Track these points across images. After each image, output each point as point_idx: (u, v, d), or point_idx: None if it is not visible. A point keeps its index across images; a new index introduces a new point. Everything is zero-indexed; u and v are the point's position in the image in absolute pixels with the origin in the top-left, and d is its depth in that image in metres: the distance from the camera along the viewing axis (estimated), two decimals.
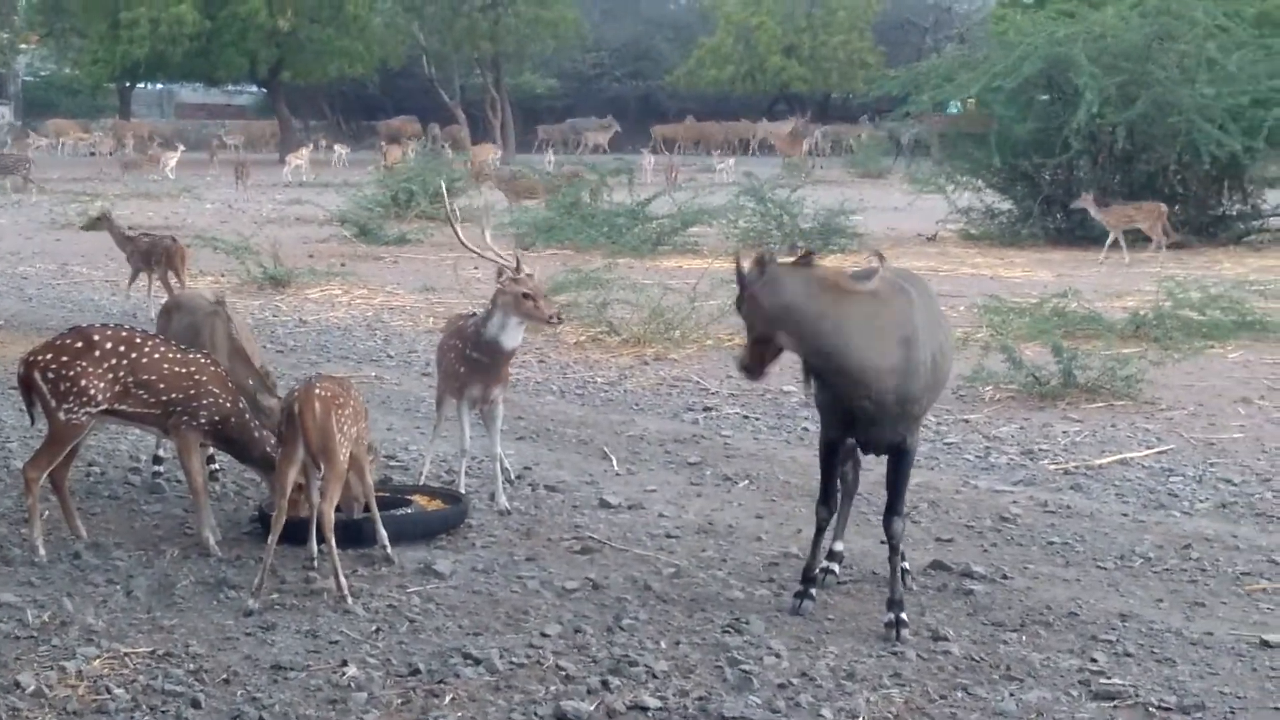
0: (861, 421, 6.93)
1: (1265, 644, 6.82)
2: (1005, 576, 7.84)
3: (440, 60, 67.95)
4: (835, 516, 7.57)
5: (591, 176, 28.67)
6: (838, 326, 6.70)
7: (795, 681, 6.34)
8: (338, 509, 7.76)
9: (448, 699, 6.10)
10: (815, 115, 69.66)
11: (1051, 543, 8.52)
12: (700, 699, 6.12)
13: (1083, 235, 25.31)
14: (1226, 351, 14.34)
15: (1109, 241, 23.54)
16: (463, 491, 8.99)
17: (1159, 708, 6.10)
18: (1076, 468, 10.31)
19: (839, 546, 7.77)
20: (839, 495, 7.49)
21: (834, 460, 7.19)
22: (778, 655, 6.61)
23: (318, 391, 7.36)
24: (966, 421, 11.61)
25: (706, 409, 12.24)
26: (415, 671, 6.39)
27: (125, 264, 18.63)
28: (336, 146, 54.28)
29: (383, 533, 7.92)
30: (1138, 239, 24.37)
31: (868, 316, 6.75)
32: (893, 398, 6.79)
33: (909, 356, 6.76)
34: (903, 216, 29.91)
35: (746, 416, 11.95)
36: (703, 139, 64.94)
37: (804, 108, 71.89)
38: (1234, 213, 27.20)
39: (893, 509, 7.04)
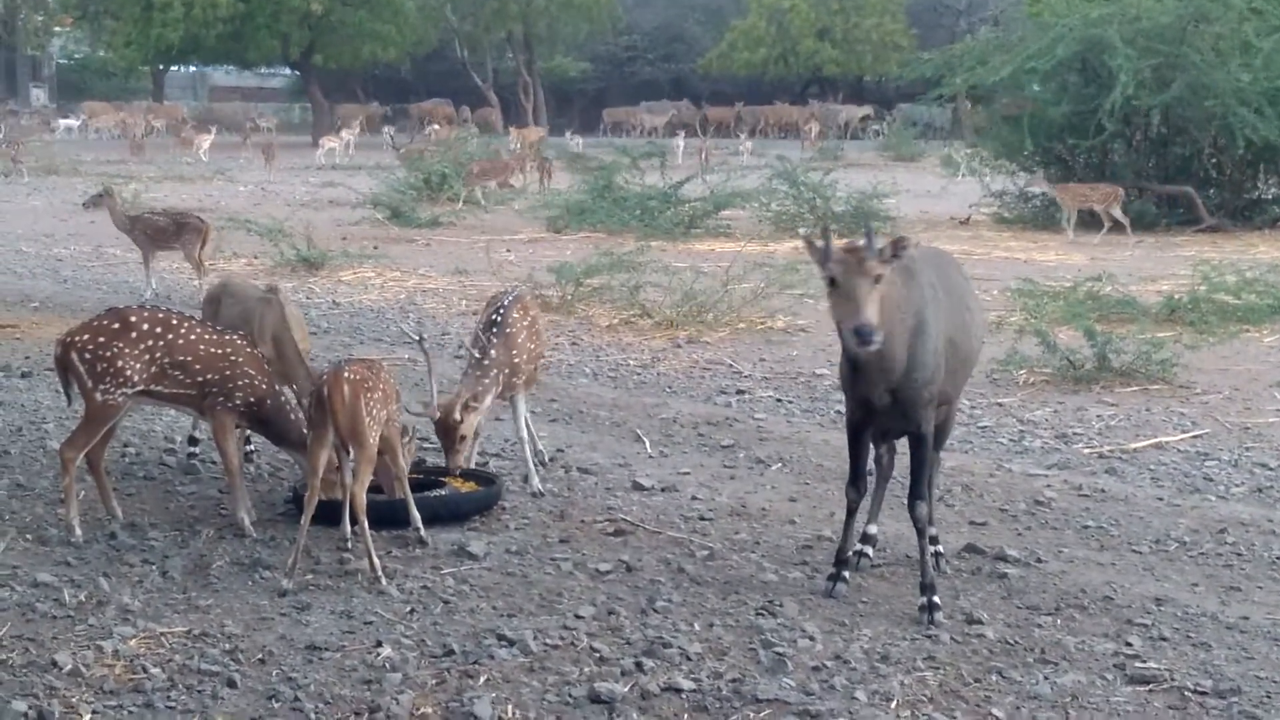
0: (876, 406, 6.91)
1: None
2: (1039, 560, 7.83)
3: (472, 43, 68.07)
4: (869, 499, 7.57)
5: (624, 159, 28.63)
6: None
7: (829, 664, 6.33)
8: (379, 490, 7.80)
9: (482, 680, 6.11)
10: (848, 98, 69.60)
11: (1086, 526, 8.49)
12: (734, 681, 6.12)
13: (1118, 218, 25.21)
14: (1262, 335, 14.28)
15: (1068, 219, 23.94)
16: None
17: (1195, 692, 6.08)
18: (1111, 451, 10.28)
19: (873, 529, 7.76)
20: (870, 478, 7.48)
21: (861, 444, 7.17)
22: (811, 638, 6.61)
23: (346, 375, 7.37)
24: (1000, 405, 11.58)
25: (739, 392, 12.23)
26: (450, 652, 6.40)
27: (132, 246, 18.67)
28: (386, 128, 54.39)
29: (416, 514, 7.94)
30: (1172, 223, 24.36)
31: None
32: (900, 385, 6.78)
33: (914, 345, 6.74)
34: (936, 200, 29.84)
35: (779, 399, 11.94)
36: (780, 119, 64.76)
37: (836, 91, 71.82)
38: (1269, 196, 27.05)
39: (916, 493, 7.02)
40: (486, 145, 37.58)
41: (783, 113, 65.84)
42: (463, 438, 8.40)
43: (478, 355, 8.73)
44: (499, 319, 8.87)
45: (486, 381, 8.61)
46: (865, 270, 6.37)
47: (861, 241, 6.51)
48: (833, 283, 6.41)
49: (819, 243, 6.49)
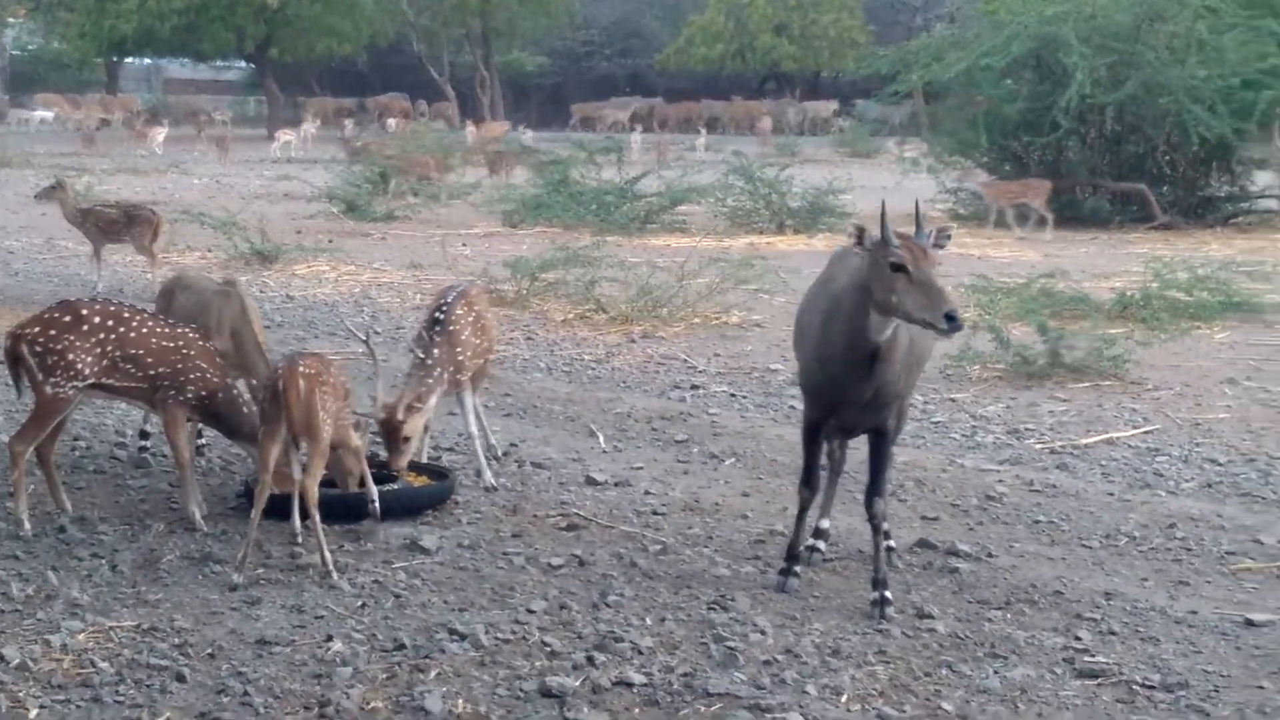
0: (840, 403, 6.91)
1: (1249, 623, 6.84)
2: (991, 555, 7.86)
3: (429, 37, 67.85)
4: (821, 495, 7.58)
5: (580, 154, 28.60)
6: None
7: (780, 658, 6.34)
8: (333, 484, 7.78)
9: (433, 674, 6.10)
10: (805, 94, 69.75)
11: (1037, 521, 8.53)
12: (685, 675, 6.12)
13: (1071, 216, 25.34)
14: (1213, 332, 14.38)
15: (992, 218, 24.19)
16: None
17: (1143, 685, 6.11)
18: (1063, 447, 10.33)
19: (825, 524, 7.78)
20: (822, 474, 7.50)
21: (817, 441, 7.19)
22: (763, 632, 6.62)
23: (301, 369, 7.35)
24: (953, 400, 11.63)
25: (694, 387, 12.23)
26: (400, 646, 6.39)
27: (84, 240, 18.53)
28: (346, 122, 54.20)
29: (376, 505, 7.92)
30: (1126, 220, 24.51)
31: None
32: (865, 381, 6.78)
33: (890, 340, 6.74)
34: (891, 196, 29.87)
35: (733, 394, 11.95)
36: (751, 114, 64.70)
37: (794, 86, 71.95)
38: (1222, 194, 27.21)
39: (874, 489, 7.03)
40: (440, 140, 37.44)
41: (752, 109, 65.75)
42: (406, 438, 8.36)
43: (420, 354, 8.69)
44: (443, 316, 8.82)
45: (430, 381, 8.57)
46: (931, 259, 6.38)
47: (912, 230, 6.51)
48: (902, 270, 6.36)
49: (876, 231, 6.44)
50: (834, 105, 66.09)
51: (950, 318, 6.27)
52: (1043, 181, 24.91)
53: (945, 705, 5.89)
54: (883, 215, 6.49)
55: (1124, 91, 25.04)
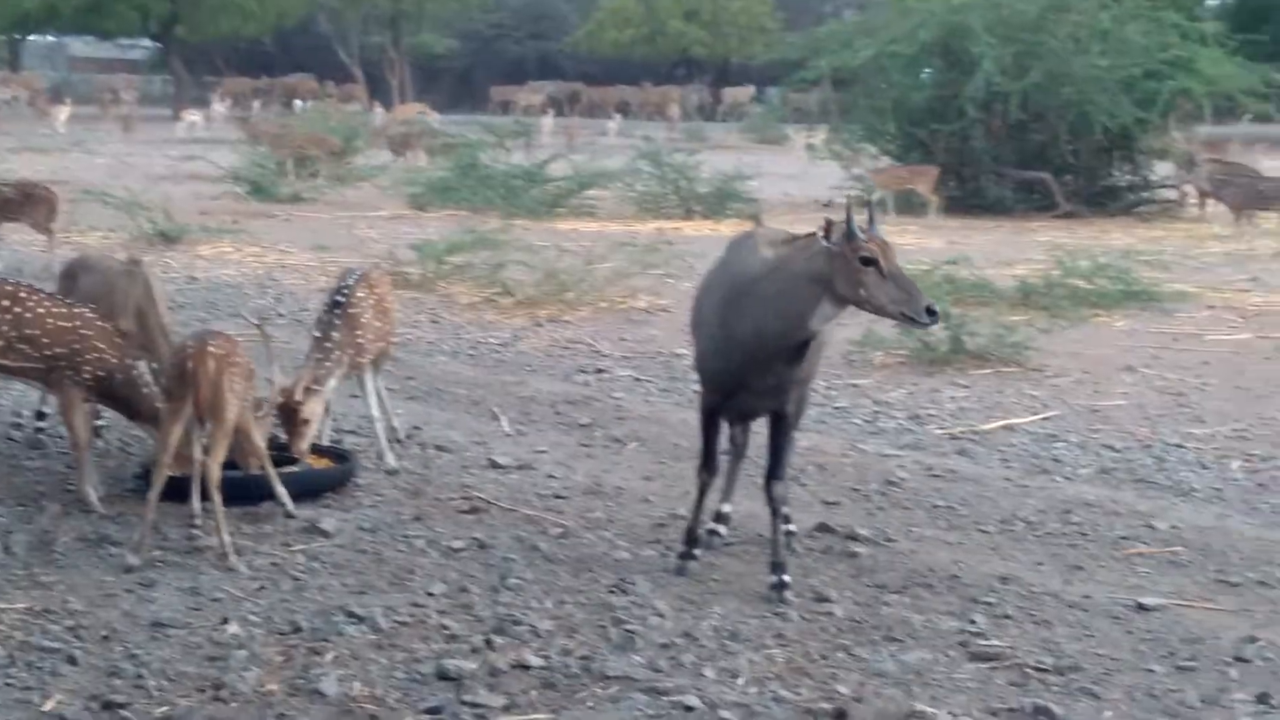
0: (743, 389, 6.93)
1: (1141, 607, 6.93)
2: (889, 539, 7.91)
3: (337, 18, 67.38)
4: (723, 479, 7.61)
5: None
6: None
7: (679, 641, 6.36)
8: (236, 466, 7.71)
9: (329, 657, 6.07)
10: (715, 80, 69.87)
11: (936, 506, 8.61)
12: (583, 658, 6.12)
13: (975, 204, 25.55)
14: (1113, 320, 14.55)
15: (875, 201, 24.26)
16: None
17: (1035, 669, 6.17)
18: (963, 433, 10.42)
19: (726, 508, 7.80)
20: (724, 458, 7.52)
21: (716, 425, 7.20)
22: (662, 615, 6.63)
23: (211, 348, 7.28)
24: (856, 386, 11.70)
25: (599, 371, 12.25)
26: (297, 629, 6.35)
27: None
28: (255, 103, 53.73)
29: (283, 491, 7.87)
30: (1029, 208, 24.77)
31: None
32: (786, 368, 6.81)
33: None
34: (799, 183, 30.01)
35: (638, 379, 11.97)
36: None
37: (704, 73, 72.07)
38: (1123, 183, 27.52)
39: (774, 473, 7.04)
40: (347, 123, 37.18)
41: (669, 94, 65.66)
42: (306, 421, 8.31)
43: (319, 336, 8.64)
44: (343, 299, 8.77)
45: (329, 364, 8.51)
46: (895, 252, 6.43)
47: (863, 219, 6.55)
48: (873, 264, 6.38)
49: (845, 222, 6.44)
50: (751, 90, 66.22)
51: (931, 311, 6.38)
52: (929, 168, 25.17)
53: (841, 688, 5.92)
54: (848, 210, 6.54)
55: (1028, 80, 25.28)
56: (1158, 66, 25.52)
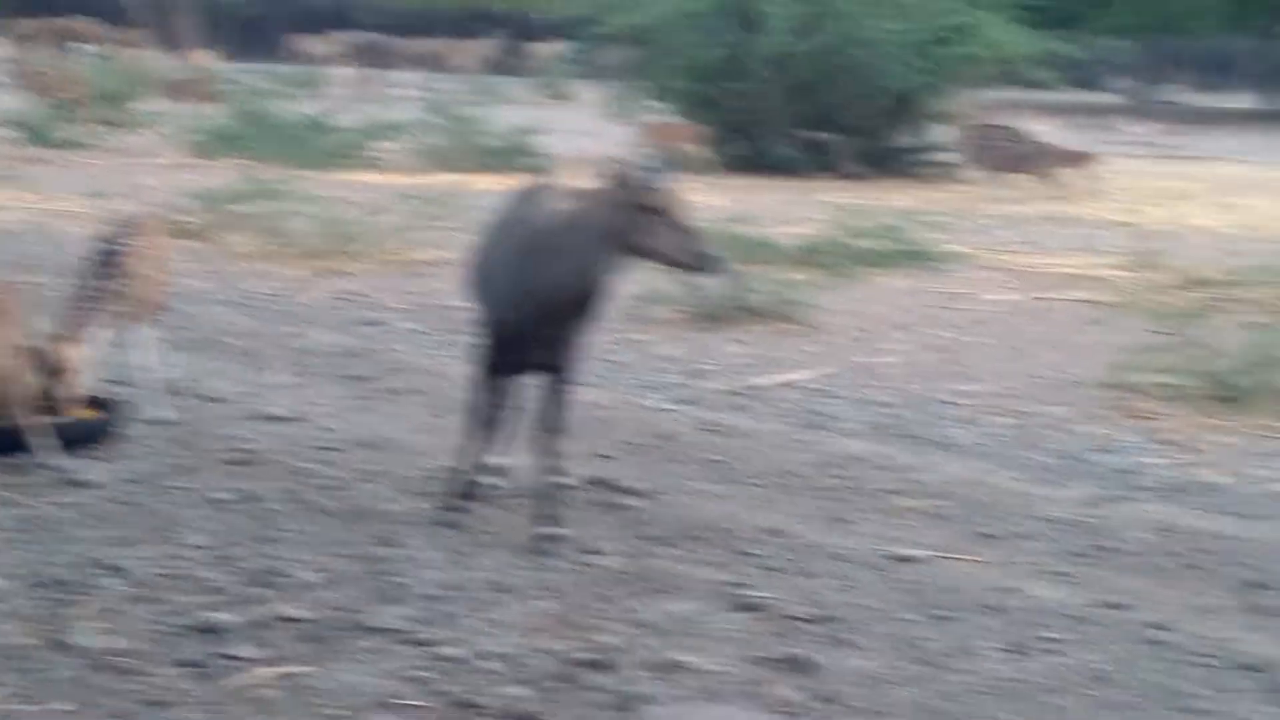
0: (526, 342, 6.92)
1: (902, 558, 7.08)
2: (662, 493, 7.97)
3: None
4: (498, 431, 7.58)
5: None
6: None
7: (448, 593, 6.34)
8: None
9: (87, 609, 5.95)
10: (515, 34, 69.44)
11: (710, 460, 8.69)
12: (349, 611, 6.08)
13: (763, 163, 25.76)
14: (891, 279, 14.78)
15: (651, 155, 24.54)
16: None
17: (797, 619, 6.27)
18: (740, 389, 10.53)
19: (501, 461, 7.78)
20: (499, 411, 7.48)
21: (490, 377, 7.16)
22: (431, 567, 6.61)
23: None
24: (636, 341, 11.77)
25: (378, 323, 12.15)
26: (57, 582, 6.22)
27: None
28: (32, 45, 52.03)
29: (43, 441, 7.68)
30: (815, 168, 25.09)
31: None
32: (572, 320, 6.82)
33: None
34: (592, 140, 29.98)
35: (418, 331, 11.90)
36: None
37: (502, 26, 71.59)
38: (907, 146, 27.92)
39: (551, 426, 7.04)
40: (129, 67, 36.24)
41: (467, 47, 64.94)
42: (66, 370, 8.11)
43: (87, 285, 8.44)
44: (113, 247, 8.58)
45: (93, 312, 8.32)
46: (682, 203, 6.42)
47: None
48: (664, 213, 6.38)
49: (633, 174, 6.43)
50: (559, 46, 65.84)
51: (718, 262, 6.48)
52: (691, 125, 25.43)
53: (607, 639, 5.96)
54: (636, 163, 6.59)
55: (817, 41, 25.52)
56: (945, 34, 25.94)
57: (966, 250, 16.66)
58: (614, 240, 6.52)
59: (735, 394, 10.40)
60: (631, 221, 6.45)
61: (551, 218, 6.83)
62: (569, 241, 6.66)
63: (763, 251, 14.84)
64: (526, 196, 7.27)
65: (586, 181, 6.72)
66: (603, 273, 6.61)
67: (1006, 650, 6.05)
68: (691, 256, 6.47)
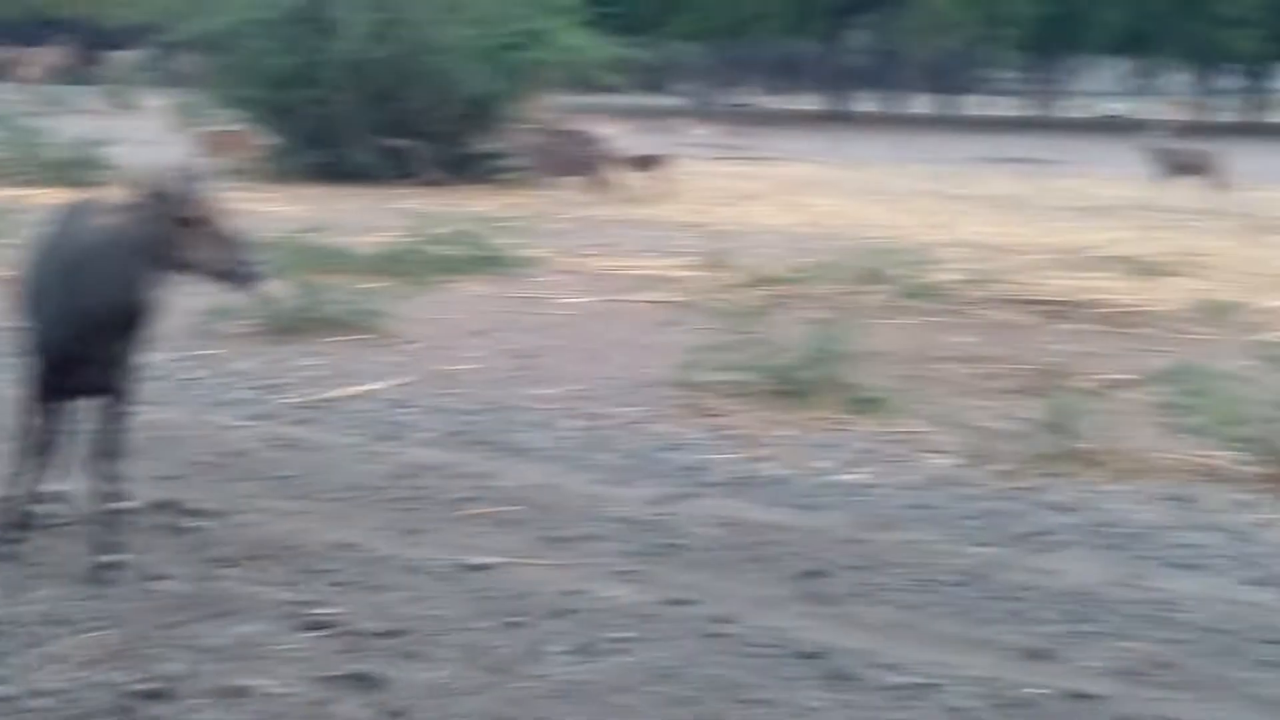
0: (77, 363, 6.68)
1: (472, 566, 7.11)
2: (231, 512, 7.81)
3: None
4: (51, 456, 7.30)
5: None
6: None
7: (2, 629, 6.09)
8: None
9: None
10: (87, 43, 67.07)
11: (281, 476, 8.57)
12: None
13: (342, 171, 25.56)
14: (467, 285, 14.85)
15: (199, 163, 24.49)
16: None
17: (366, 634, 6.23)
18: (313, 401, 10.42)
19: (58, 487, 7.49)
20: (56, 436, 7.21)
21: (42, 401, 6.90)
22: None
23: None
24: (207, 356, 11.52)
25: None
26: None
27: None
28: None
29: None
30: (394, 176, 25.05)
31: None
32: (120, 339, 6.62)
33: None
34: (162, 149, 29.22)
35: None
36: None
37: (68, 32, 69.07)
38: (483, 152, 28.08)
39: (108, 449, 6.82)
40: None
41: (31, 55, 62.22)
42: None
43: None
44: None
45: None
46: (222, 212, 6.21)
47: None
48: (202, 223, 6.19)
49: (168, 185, 6.20)
50: (139, 54, 63.76)
51: (258, 271, 6.33)
52: (255, 133, 25.18)
53: (169, 666, 5.82)
54: (173, 173, 6.36)
55: (392, 48, 25.47)
56: (517, 39, 26.22)
57: (544, 254, 16.88)
58: (153, 254, 6.34)
59: (310, 407, 10.28)
60: (169, 233, 6.30)
61: (92, 234, 6.61)
62: (108, 257, 6.44)
63: (339, 261, 14.75)
64: (73, 212, 7.03)
65: (125, 194, 6.52)
66: (146, 288, 6.43)
67: (575, 652, 6.14)
68: (232, 268, 6.34)
